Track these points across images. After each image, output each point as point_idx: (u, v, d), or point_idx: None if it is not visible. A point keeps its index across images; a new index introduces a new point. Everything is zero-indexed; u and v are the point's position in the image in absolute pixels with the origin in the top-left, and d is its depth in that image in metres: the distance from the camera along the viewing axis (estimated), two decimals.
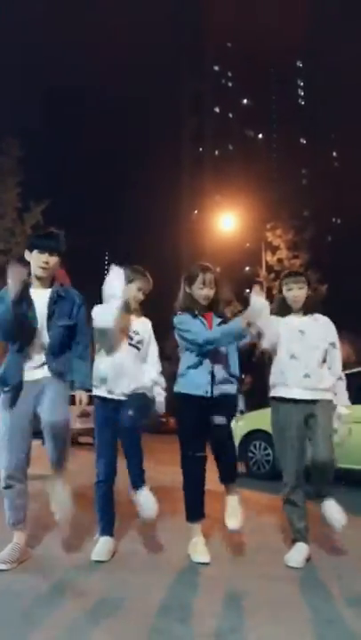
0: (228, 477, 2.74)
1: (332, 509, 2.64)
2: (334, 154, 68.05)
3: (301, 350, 2.77)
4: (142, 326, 2.87)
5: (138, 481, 2.58)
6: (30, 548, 2.67)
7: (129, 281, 2.78)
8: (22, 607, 1.98)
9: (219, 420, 2.68)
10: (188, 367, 2.78)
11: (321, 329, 2.86)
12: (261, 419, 5.74)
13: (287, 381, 2.77)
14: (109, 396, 2.71)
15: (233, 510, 2.65)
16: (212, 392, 2.70)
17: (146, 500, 2.55)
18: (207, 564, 2.57)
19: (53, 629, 1.80)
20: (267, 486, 5.22)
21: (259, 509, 3.80)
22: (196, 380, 2.73)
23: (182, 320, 2.80)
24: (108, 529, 2.68)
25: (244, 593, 2.23)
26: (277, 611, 2.04)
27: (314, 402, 2.75)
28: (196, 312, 2.80)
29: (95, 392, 2.72)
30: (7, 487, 2.47)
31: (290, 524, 2.77)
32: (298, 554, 2.64)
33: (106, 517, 2.69)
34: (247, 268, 30.19)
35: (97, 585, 2.25)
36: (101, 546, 2.61)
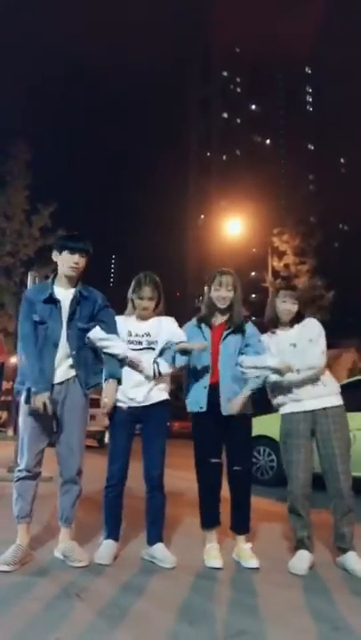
0: (240, 527, 2.74)
1: (355, 562, 2.61)
2: (342, 160, 68.00)
3: (299, 362, 2.75)
4: (152, 327, 2.79)
5: (153, 537, 2.65)
6: (33, 551, 2.67)
7: (133, 289, 2.80)
8: (25, 609, 1.98)
9: (236, 467, 2.72)
10: (188, 384, 2.82)
11: (307, 334, 2.83)
12: (265, 424, 5.71)
13: (297, 396, 2.76)
14: (123, 405, 2.69)
15: (249, 553, 2.67)
16: (209, 406, 2.70)
17: (163, 555, 2.60)
18: (220, 569, 2.56)
19: (57, 632, 1.79)
20: (271, 492, 5.20)
21: (263, 516, 3.78)
22: (194, 396, 2.77)
23: (184, 327, 2.86)
24: (113, 533, 2.67)
25: (251, 598, 2.21)
26: (285, 616, 2.03)
27: (323, 409, 2.74)
28: (203, 324, 2.82)
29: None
30: (19, 479, 2.56)
31: (293, 533, 2.76)
32: (300, 562, 2.62)
33: (112, 521, 2.68)
34: (253, 274, 30.20)
35: (102, 588, 2.24)
36: (104, 549, 2.61)
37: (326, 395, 2.76)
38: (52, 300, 2.61)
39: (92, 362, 2.66)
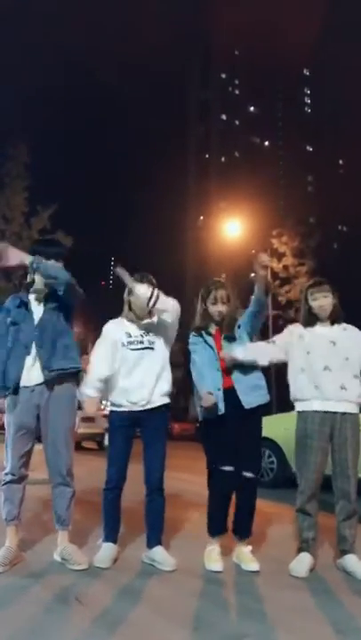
0: (244, 533, 2.73)
1: (355, 564, 2.59)
2: (340, 161, 68.14)
3: (335, 362, 2.72)
4: (150, 326, 2.80)
5: (153, 540, 2.64)
6: (32, 554, 2.66)
7: (129, 292, 2.79)
8: (23, 613, 1.96)
9: (248, 474, 2.69)
10: (199, 392, 2.78)
11: (351, 339, 2.79)
12: (267, 426, 5.71)
13: (322, 394, 2.71)
14: (124, 409, 2.70)
15: (249, 557, 2.66)
16: (230, 409, 2.68)
17: (163, 558, 2.58)
18: (220, 572, 2.55)
19: (56, 636, 1.78)
20: (271, 494, 5.18)
21: (262, 518, 3.77)
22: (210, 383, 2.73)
23: (192, 342, 2.86)
24: (112, 536, 2.67)
25: (253, 601, 2.20)
26: (287, 618, 2.01)
27: (343, 414, 2.71)
28: (204, 332, 2.83)
29: (112, 408, 2.74)
30: (6, 483, 2.57)
31: (298, 533, 2.74)
32: (301, 564, 2.60)
33: (111, 524, 2.68)
34: (252, 275, 30.13)
35: (101, 591, 2.23)
36: (104, 552, 2.60)
37: (352, 401, 2.72)
38: (24, 304, 2.66)
39: (62, 346, 2.62)
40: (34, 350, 2.58)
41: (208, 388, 2.68)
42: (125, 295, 2.83)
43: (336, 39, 63.92)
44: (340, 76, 62.72)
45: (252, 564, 2.61)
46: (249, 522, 2.74)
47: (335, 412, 2.70)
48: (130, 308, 2.82)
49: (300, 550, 2.70)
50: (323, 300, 2.81)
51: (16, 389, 2.55)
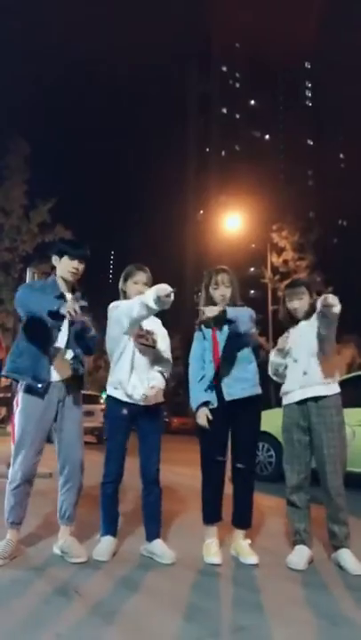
0: (242, 522, 2.74)
1: (347, 559, 2.60)
2: (341, 155, 67.85)
3: (300, 352, 2.79)
4: (153, 324, 2.83)
5: (152, 533, 2.66)
6: (33, 547, 2.67)
7: (125, 277, 2.80)
8: (24, 606, 1.98)
9: (240, 465, 2.72)
10: (193, 382, 2.82)
11: (314, 324, 2.79)
12: (266, 420, 5.73)
13: (291, 385, 2.80)
14: (125, 400, 2.69)
15: (248, 550, 2.68)
16: (219, 401, 2.71)
17: (162, 551, 2.60)
18: (219, 565, 2.56)
19: (55, 628, 1.79)
20: (270, 488, 5.21)
21: (262, 511, 3.79)
22: (200, 395, 2.76)
23: (195, 336, 2.88)
24: (111, 529, 2.68)
25: (251, 594, 2.22)
26: (285, 611, 2.03)
27: (315, 400, 2.72)
28: (202, 325, 2.83)
29: (111, 393, 2.73)
30: (17, 487, 2.51)
31: (290, 526, 2.77)
32: (298, 557, 2.62)
33: (110, 517, 2.69)
34: (252, 269, 30.15)
35: (100, 584, 2.24)
36: (103, 545, 2.61)
37: (313, 384, 2.74)
38: (63, 297, 2.60)
39: (81, 352, 2.65)
40: (62, 349, 2.58)
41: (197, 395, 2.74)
42: (121, 284, 2.82)
43: (337, 32, 63.44)
44: (341, 69, 62.32)
45: (250, 557, 2.63)
46: (248, 512, 2.75)
47: (305, 401, 2.73)
48: (125, 298, 2.79)
49: (295, 543, 2.72)
50: (296, 303, 2.86)
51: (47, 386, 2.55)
